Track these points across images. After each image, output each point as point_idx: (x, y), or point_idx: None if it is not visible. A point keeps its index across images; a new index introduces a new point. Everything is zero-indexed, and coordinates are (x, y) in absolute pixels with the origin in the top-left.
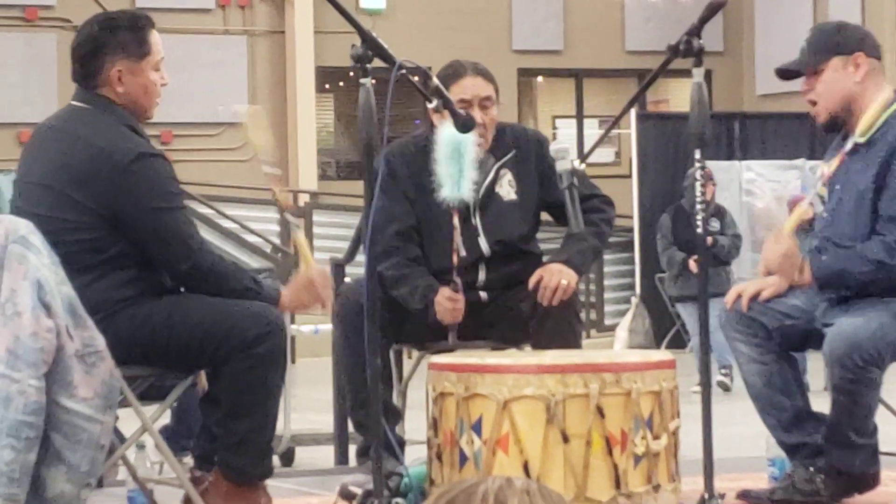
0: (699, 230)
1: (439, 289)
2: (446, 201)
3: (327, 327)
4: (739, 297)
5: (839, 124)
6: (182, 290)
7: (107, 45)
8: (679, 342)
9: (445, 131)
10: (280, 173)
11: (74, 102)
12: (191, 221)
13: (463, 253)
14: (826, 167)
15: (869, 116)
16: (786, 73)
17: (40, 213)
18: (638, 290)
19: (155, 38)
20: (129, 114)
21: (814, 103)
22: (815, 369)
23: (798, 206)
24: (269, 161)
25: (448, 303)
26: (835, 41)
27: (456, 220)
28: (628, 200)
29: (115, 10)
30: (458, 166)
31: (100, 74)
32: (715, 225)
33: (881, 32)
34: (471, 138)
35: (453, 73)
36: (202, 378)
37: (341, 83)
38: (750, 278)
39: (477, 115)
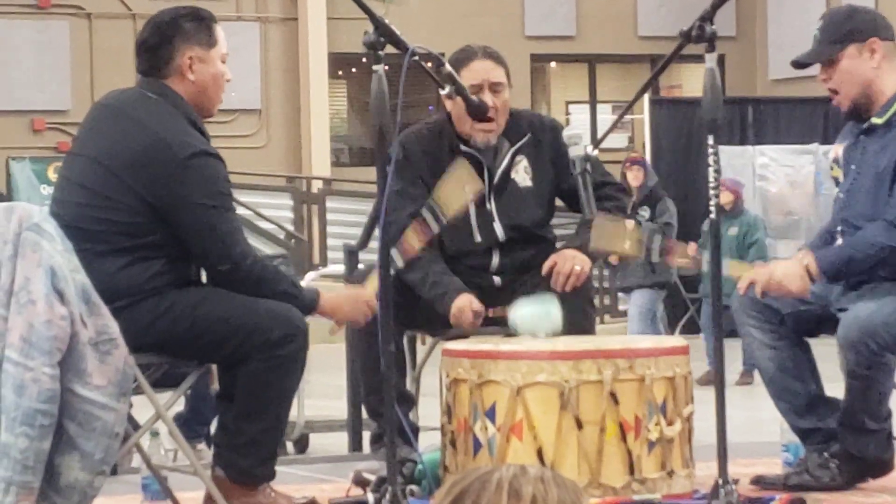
0: (712, 216)
1: (451, 285)
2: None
3: None
4: (753, 283)
5: (862, 111)
6: (209, 285)
7: (177, 35)
8: (693, 328)
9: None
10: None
11: (140, 88)
12: (238, 224)
13: (478, 239)
14: (839, 148)
15: (887, 97)
16: (801, 64)
17: (87, 186)
18: None
19: (220, 32)
20: (192, 109)
21: (835, 92)
22: (829, 354)
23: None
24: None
25: (469, 314)
26: (848, 28)
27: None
28: None
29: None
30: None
31: (170, 63)
32: (644, 213)
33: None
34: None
35: (464, 57)
36: (214, 376)
37: (354, 69)
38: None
39: (488, 98)
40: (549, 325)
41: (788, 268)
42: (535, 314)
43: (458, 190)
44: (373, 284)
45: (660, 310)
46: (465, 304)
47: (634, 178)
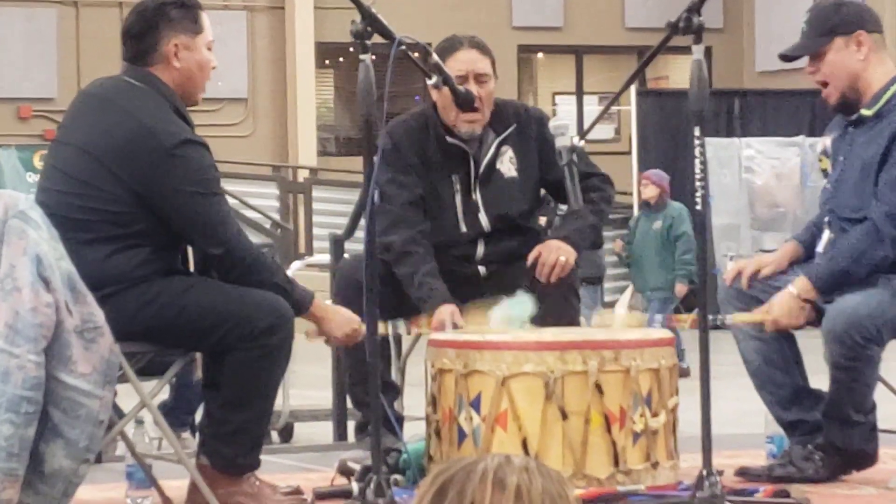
0: (698, 208)
1: (437, 292)
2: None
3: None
4: (739, 274)
5: (850, 103)
6: (195, 274)
7: (162, 22)
8: None
9: (497, 313)
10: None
11: (125, 76)
12: (227, 208)
13: (464, 229)
14: (827, 140)
15: (876, 90)
16: (788, 57)
17: (73, 175)
18: None
19: (206, 19)
20: (177, 97)
21: (824, 84)
22: (814, 346)
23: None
24: None
25: (448, 325)
26: (835, 22)
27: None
28: (628, 177)
29: None
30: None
31: (156, 51)
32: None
33: (884, 5)
34: (527, 314)
35: (449, 46)
36: (198, 365)
37: (341, 59)
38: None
39: (473, 88)
40: (522, 322)
41: (785, 305)
42: (509, 318)
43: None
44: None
45: (598, 305)
46: (447, 318)
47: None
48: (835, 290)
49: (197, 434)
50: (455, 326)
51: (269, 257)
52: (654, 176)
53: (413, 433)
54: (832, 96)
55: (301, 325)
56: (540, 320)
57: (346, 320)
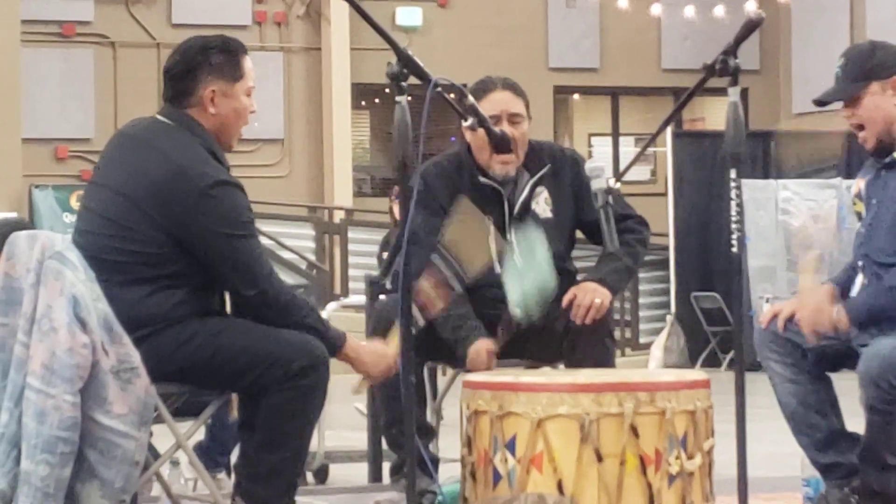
0: (734, 249)
1: (473, 329)
2: (514, 312)
3: None
4: (775, 317)
5: (887, 147)
6: (232, 315)
7: (202, 66)
8: (714, 361)
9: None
10: None
11: (160, 117)
12: (261, 250)
13: (498, 270)
14: (861, 182)
15: None
16: (823, 102)
17: (109, 216)
18: (673, 308)
19: (248, 64)
20: (212, 138)
21: (860, 128)
22: (849, 389)
23: (807, 261)
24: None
25: (484, 357)
26: (870, 66)
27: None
28: (664, 218)
29: (211, 34)
30: (528, 282)
31: (193, 94)
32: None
33: None
34: (543, 242)
35: (483, 88)
36: (234, 405)
37: (377, 100)
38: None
39: (506, 129)
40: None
41: (818, 307)
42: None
43: (480, 248)
44: (395, 342)
45: None
46: (482, 347)
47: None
48: (867, 324)
49: (232, 475)
50: (489, 355)
51: (302, 298)
52: None
53: (448, 475)
54: (869, 141)
55: (337, 366)
56: (575, 361)
57: (378, 358)
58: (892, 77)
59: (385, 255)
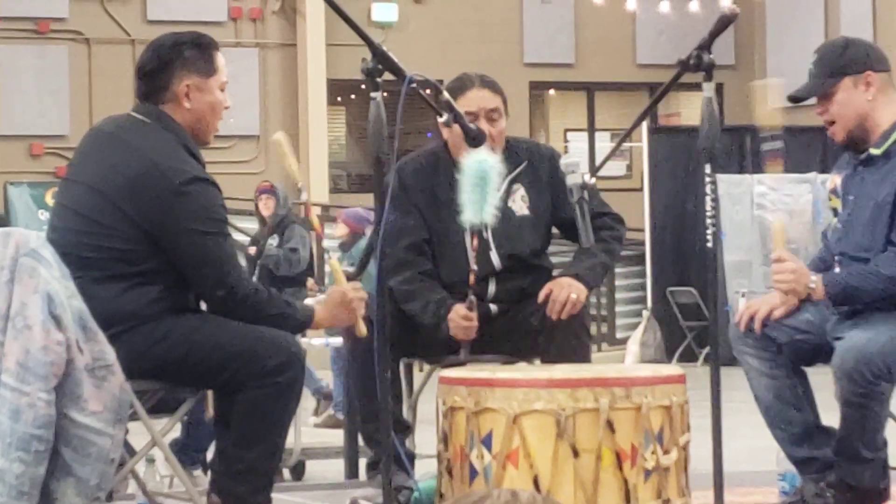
0: (709, 244)
1: (453, 305)
2: (468, 225)
3: (338, 341)
4: (752, 318)
5: (857, 142)
6: (207, 311)
7: (175, 61)
8: (690, 356)
9: (469, 157)
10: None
11: (135, 114)
12: (232, 250)
13: (475, 267)
14: (836, 178)
15: (884, 129)
16: (797, 98)
17: (83, 213)
18: (649, 303)
19: (221, 59)
20: (188, 134)
21: (831, 123)
22: (824, 383)
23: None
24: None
25: (463, 321)
26: (844, 62)
27: (473, 241)
28: (639, 214)
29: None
30: (482, 192)
31: (167, 90)
32: (272, 241)
33: (893, 43)
34: (495, 164)
35: (460, 85)
36: (209, 402)
37: (353, 96)
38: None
39: (484, 126)
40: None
41: (798, 271)
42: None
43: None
44: (340, 277)
45: None
46: (459, 310)
47: (265, 206)
48: (839, 301)
49: (208, 472)
50: (471, 308)
51: (266, 290)
52: (347, 215)
53: (424, 471)
54: (838, 135)
55: (315, 359)
56: (552, 357)
57: (345, 305)
58: (865, 72)
59: (252, 250)
